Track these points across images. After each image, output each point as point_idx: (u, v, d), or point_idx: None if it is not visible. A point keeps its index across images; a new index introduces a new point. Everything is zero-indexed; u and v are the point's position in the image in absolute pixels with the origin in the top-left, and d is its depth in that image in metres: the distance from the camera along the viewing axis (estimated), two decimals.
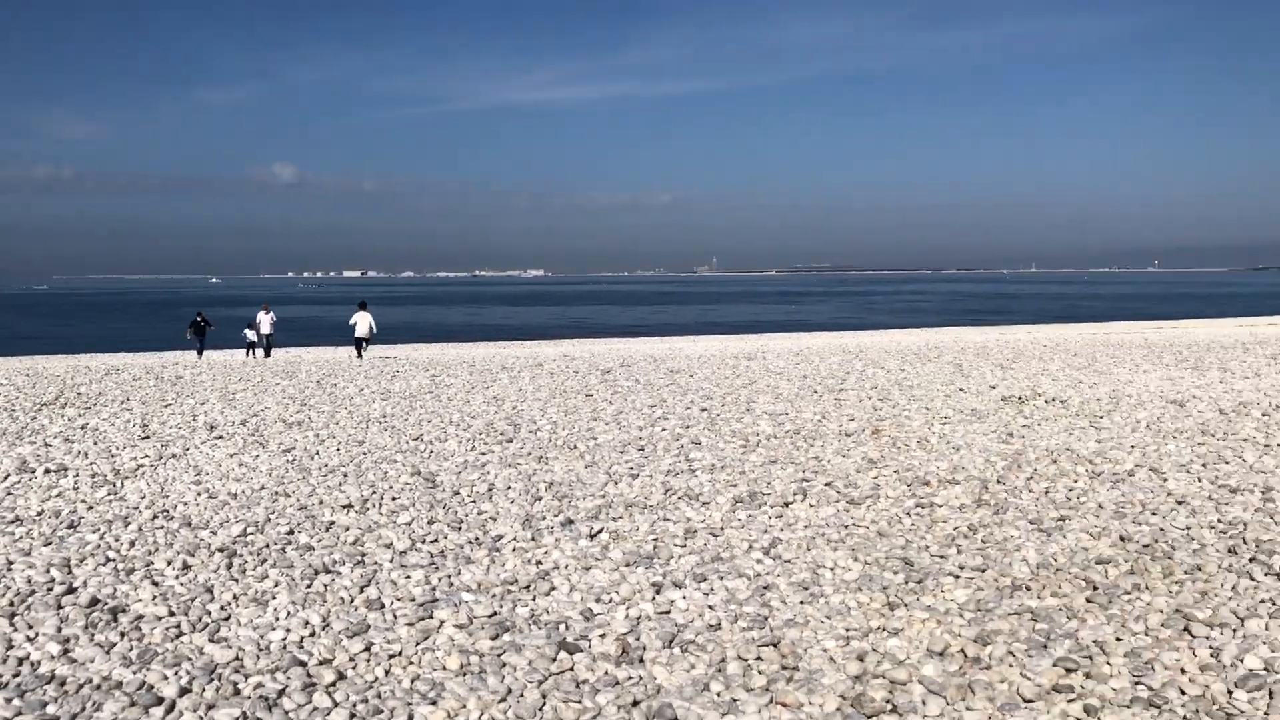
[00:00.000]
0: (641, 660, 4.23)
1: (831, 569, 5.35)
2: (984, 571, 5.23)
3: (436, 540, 5.97)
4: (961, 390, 12.54)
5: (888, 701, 3.80)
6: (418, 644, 4.39)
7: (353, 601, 4.91)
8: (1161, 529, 5.91)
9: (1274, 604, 4.63)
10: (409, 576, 5.27)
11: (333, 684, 3.98)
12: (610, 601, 4.93)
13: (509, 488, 7.33)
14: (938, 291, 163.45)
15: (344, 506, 6.78)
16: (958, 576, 5.17)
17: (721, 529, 6.16)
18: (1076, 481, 7.18)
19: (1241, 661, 4.03)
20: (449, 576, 5.28)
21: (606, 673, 4.10)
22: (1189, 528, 5.92)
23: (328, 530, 6.20)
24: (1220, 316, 48.10)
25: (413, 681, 4.02)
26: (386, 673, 4.11)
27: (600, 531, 6.12)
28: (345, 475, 7.82)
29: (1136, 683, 3.89)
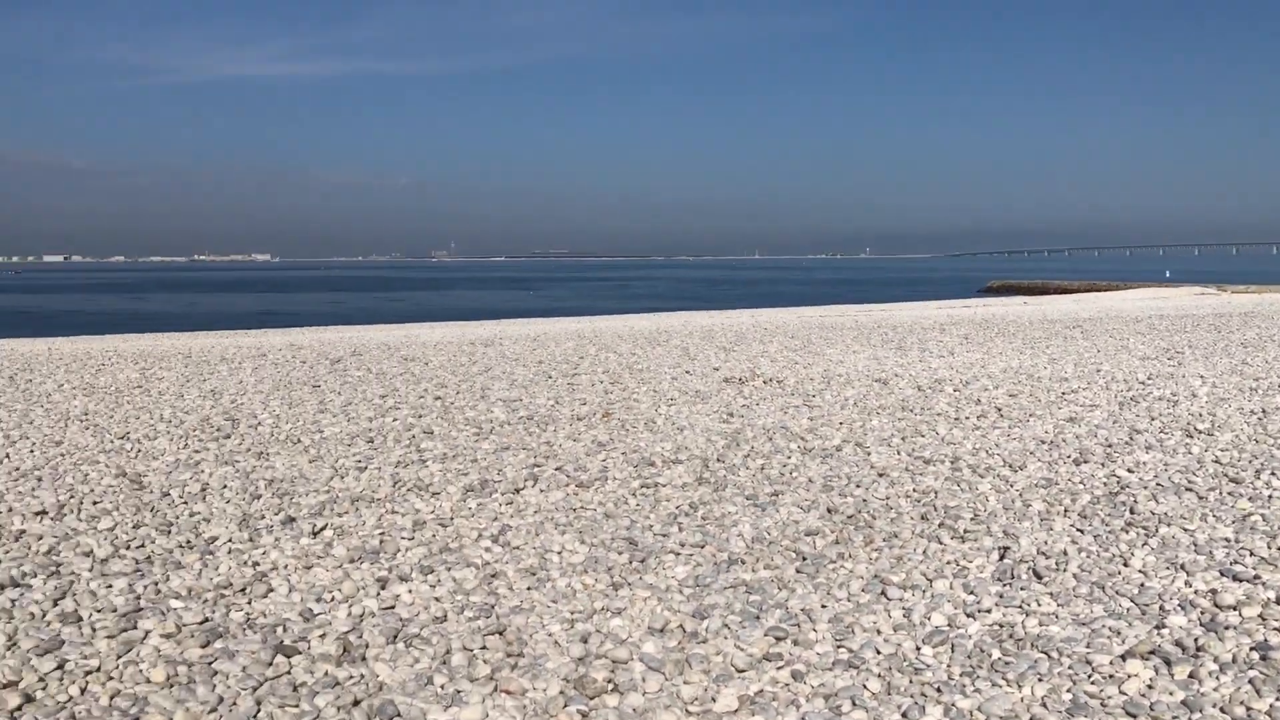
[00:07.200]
0: (364, 658, 4.12)
1: (559, 553, 5.40)
2: (703, 548, 5.44)
3: (143, 545, 5.58)
4: (688, 373, 12.97)
5: (609, 681, 3.89)
6: (119, 657, 4.09)
7: (44, 616, 4.51)
8: (864, 500, 6.34)
9: (958, 565, 5.06)
10: (110, 586, 4.90)
11: (18, 708, 3.65)
12: (332, 600, 4.77)
13: (225, 486, 6.95)
14: (671, 277, 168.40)
15: (37, 513, 6.22)
16: (678, 554, 5.34)
17: (451, 519, 6.09)
18: (789, 458, 7.58)
19: (929, 619, 4.38)
20: (156, 584, 4.95)
21: (326, 673, 3.97)
22: (888, 497, 6.38)
23: (17, 540, 5.66)
24: (923, 300, 52.13)
25: (111, 698, 3.75)
26: (82, 691, 3.81)
27: (324, 528, 5.92)
28: (40, 479, 7.16)
29: (839, 646, 4.15)
